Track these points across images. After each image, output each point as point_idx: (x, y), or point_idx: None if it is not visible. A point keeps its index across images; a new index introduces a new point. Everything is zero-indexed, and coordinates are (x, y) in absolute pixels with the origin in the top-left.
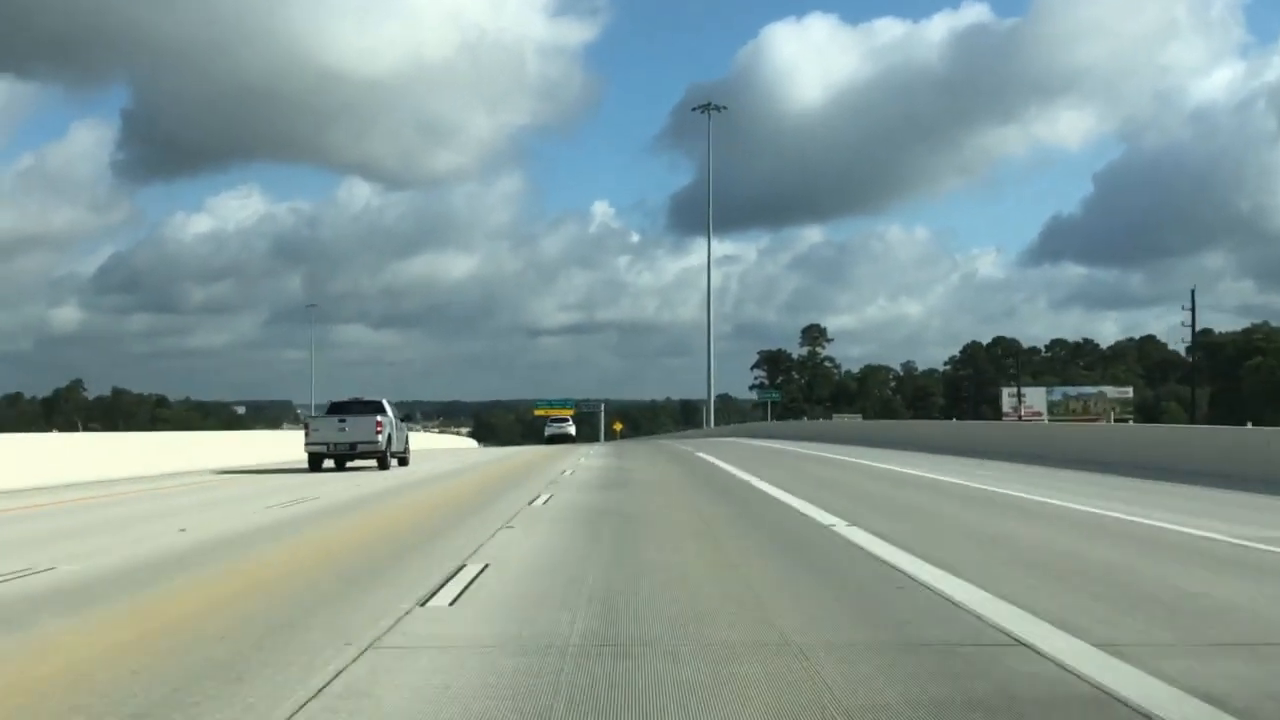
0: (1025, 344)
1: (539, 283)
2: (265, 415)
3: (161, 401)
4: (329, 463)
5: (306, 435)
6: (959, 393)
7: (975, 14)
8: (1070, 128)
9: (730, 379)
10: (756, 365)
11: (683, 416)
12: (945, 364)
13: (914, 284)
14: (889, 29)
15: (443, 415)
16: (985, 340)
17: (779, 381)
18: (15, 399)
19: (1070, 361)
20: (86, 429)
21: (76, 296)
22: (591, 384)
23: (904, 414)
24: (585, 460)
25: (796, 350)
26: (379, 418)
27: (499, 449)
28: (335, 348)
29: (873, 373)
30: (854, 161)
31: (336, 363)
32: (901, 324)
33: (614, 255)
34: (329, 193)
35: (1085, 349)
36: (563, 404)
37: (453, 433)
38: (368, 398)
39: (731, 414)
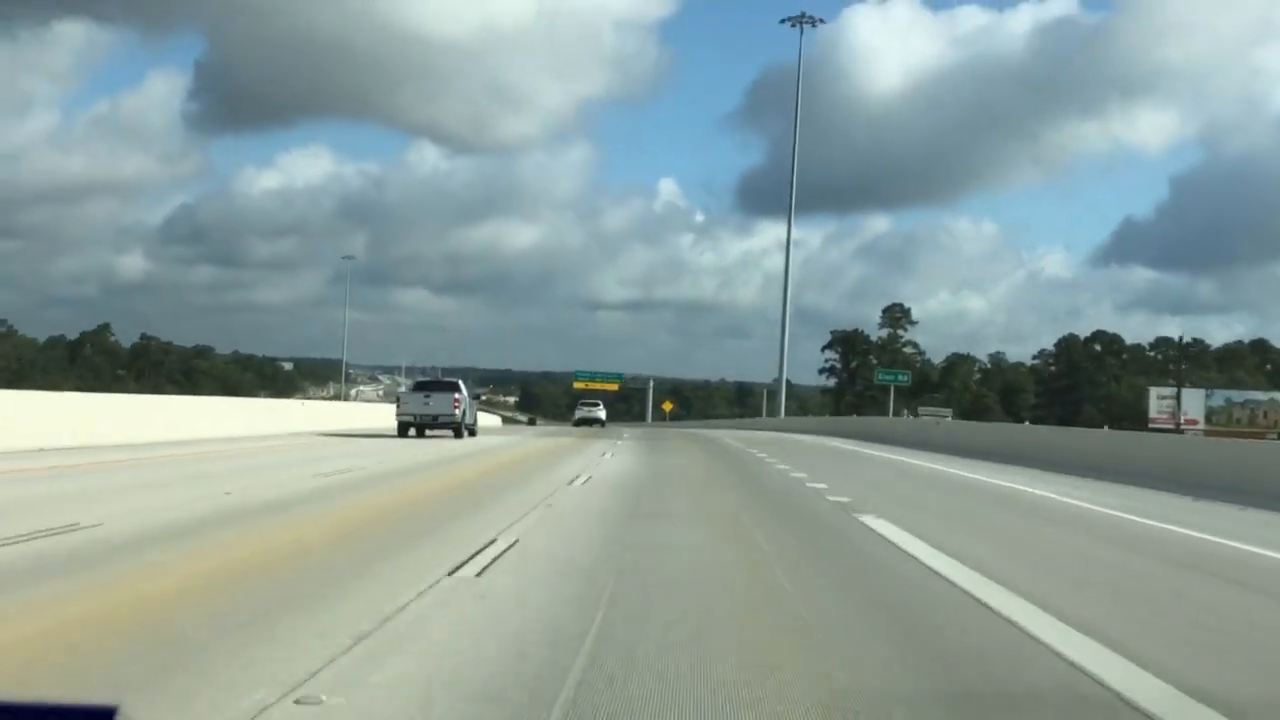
0: (1125, 342)
1: (600, 257)
2: (316, 374)
3: (203, 352)
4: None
5: (398, 407)
6: (1053, 390)
7: (1062, 6)
8: (1151, 128)
9: (789, 363)
10: (828, 346)
11: (738, 399)
12: (1034, 358)
13: (979, 278)
14: (972, 17)
15: (493, 384)
16: (1069, 338)
17: (854, 366)
18: (56, 341)
19: (1180, 361)
20: (115, 377)
21: (142, 245)
22: (645, 361)
23: (998, 413)
24: (608, 459)
25: (875, 332)
26: (456, 395)
27: (508, 436)
28: (395, 310)
29: (959, 363)
30: (926, 151)
31: (395, 326)
32: (963, 318)
33: (677, 233)
34: (397, 155)
35: (1193, 349)
36: (606, 377)
37: (492, 408)
38: (444, 377)
39: (789, 400)
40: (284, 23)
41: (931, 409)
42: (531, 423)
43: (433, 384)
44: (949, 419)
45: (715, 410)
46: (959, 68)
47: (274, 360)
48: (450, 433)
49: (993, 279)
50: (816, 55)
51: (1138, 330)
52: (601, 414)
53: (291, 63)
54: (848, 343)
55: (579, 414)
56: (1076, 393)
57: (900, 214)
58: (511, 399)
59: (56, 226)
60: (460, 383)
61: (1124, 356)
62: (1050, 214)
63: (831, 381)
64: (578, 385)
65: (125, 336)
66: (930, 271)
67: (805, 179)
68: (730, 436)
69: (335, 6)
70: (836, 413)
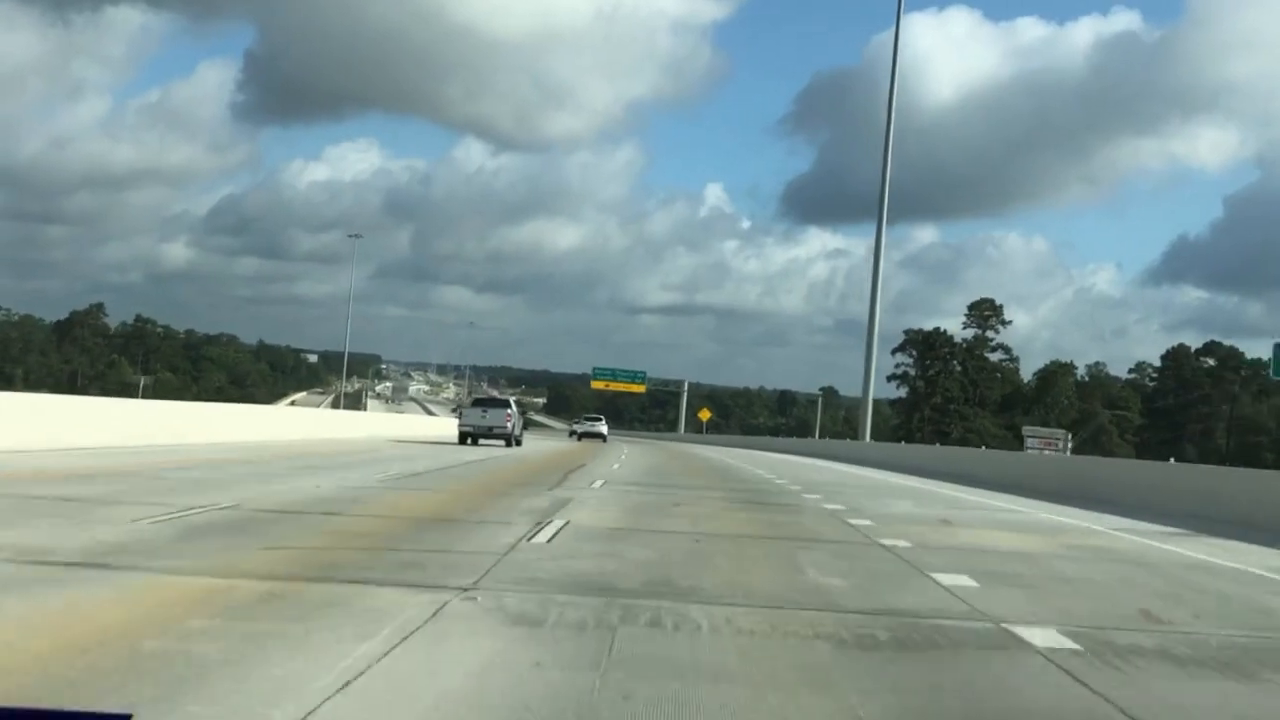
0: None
1: (643, 260)
2: (351, 366)
3: (212, 340)
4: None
5: (460, 419)
6: (1158, 409)
7: (1125, 21)
8: (1210, 146)
9: (834, 373)
10: (900, 349)
11: (779, 408)
12: (1130, 372)
13: (1026, 294)
14: (1031, 29)
15: (525, 384)
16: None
17: (932, 373)
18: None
19: None
20: (110, 362)
21: (187, 234)
22: (683, 366)
23: (1116, 440)
24: (584, 518)
25: (960, 333)
26: (508, 411)
27: (476, 450)
28: (434, 308)
29: (1057, 373)
30: (978, 163)
31: (433, 323)
32: (1007, 334)
33: (721, 239)
34: (443, 151)
35: None
36: (628, 376)
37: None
38: (499, 396)
39: (834, 413)
40: (336, 13)
41: (1040, 432)
42: (576, 437)
43: (489, 401)
44: (1065, 448)
45: (755, 419)
46: (1015, 80)
47: (300, 352)
48: (501, 442)
49: (1039, 295)
50: (870, 62)
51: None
52: (603, 429)
53: (341, 54)
54: (926, 345)
55: (579, 428)
56: (1187, 413)
57: (949, 225)
58: (540, 400)
59: (103, 213)
60: (511, 400)
61: (1242, 373)
62: (1100, 231)
63: (903, 391)
64: (596, 385)
65: (178, 324)
66: (977, 285)
67: (855, 187)
68: (790, 472)
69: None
70: (907, 430)
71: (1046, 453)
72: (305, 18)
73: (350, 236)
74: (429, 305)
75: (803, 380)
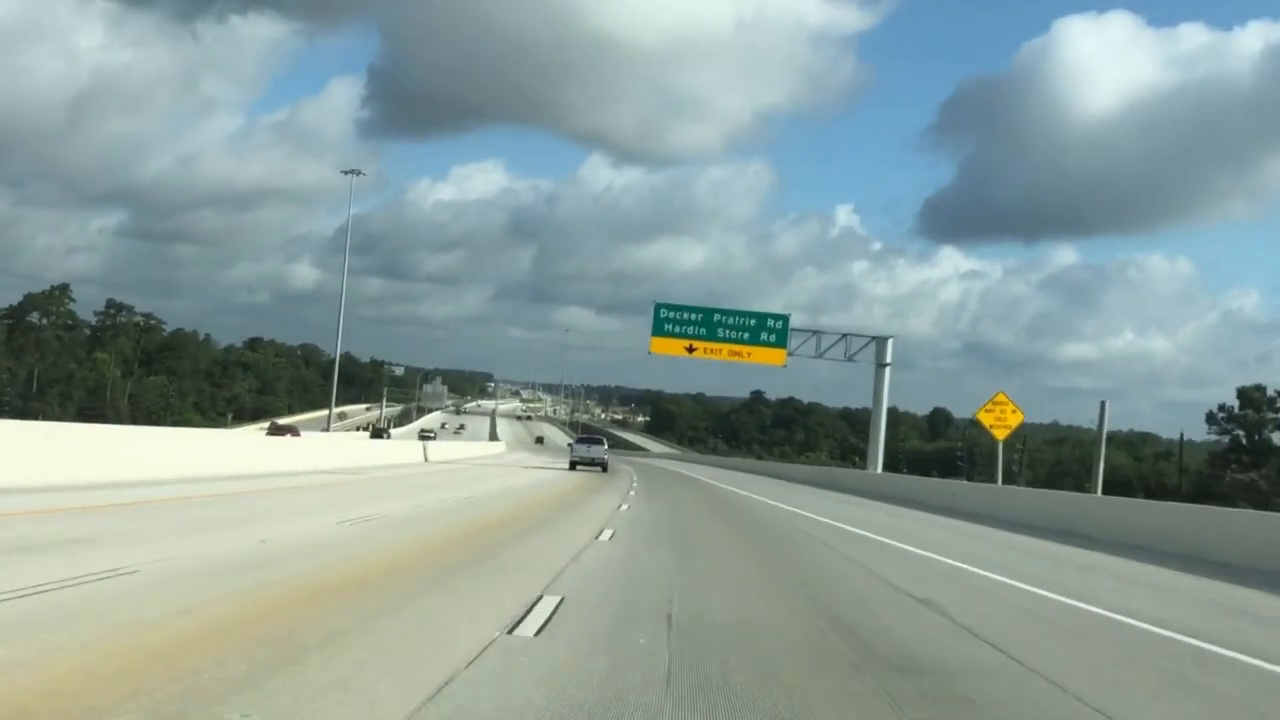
0: None
1: (770, 280)
2: (458, 384)
3: (254, 344)
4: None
5: (571, 452)
6: None
7: None
8: None
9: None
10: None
11: (930, 429)
12: None
13: (1167, 317)
14: (1194, 36)
15: (634, 403)
16: None
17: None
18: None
19: None
20: (90, 362)
21: (312, 254)
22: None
23: None
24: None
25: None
26: (605, 445)
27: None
28: (553, 329)
29: None
30: (1127, 177)
31: (552, 344)
32: (1145, 360)
33: (851, 259)
34: (569, 166)
35: None
36: (756, 329)
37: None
38: (595, 434)
39: (955, 433)
40: (463, 24)
41: None
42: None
43: (590, 437)
44: None
45: (902, 441)
46: (1175, 89)
47: (383, 363)
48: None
49: (1180, 319)
50: (1020, 70)
51: None
52: (604, 454)
53: (466, 64)
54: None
55: (576, 454)
56: None
57: (1092, 243)
58: (642, 418)
59: (231, 232)
60: (604, 438)
61: None
62: (1253, 251)
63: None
64: (656, 348)
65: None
66: (1116, 308)
67: (996, 203)
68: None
69: (522, 8)
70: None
71: None
72: (430, 26)
73: (345, 173)
74: (549, 326)
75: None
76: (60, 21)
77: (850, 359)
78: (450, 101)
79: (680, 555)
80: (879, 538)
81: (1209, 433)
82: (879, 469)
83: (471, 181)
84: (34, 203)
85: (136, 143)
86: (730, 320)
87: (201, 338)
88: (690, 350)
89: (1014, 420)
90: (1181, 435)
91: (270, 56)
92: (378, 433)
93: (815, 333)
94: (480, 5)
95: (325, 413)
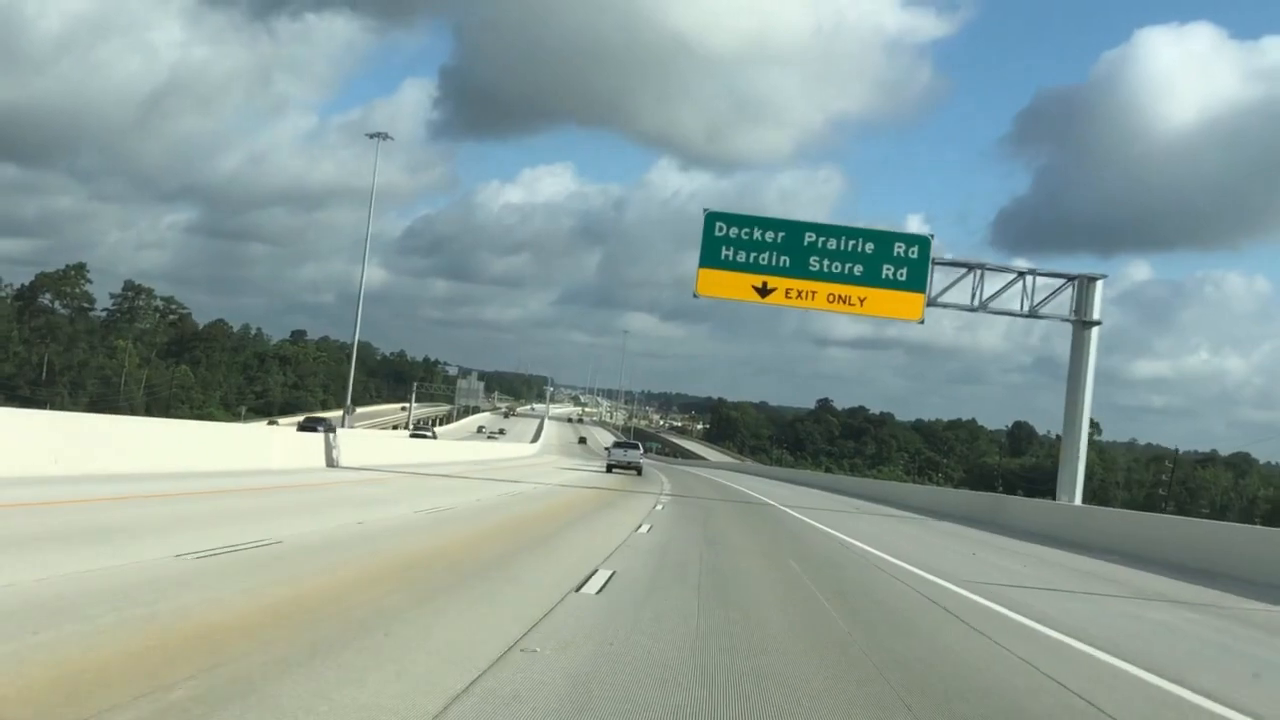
0: None
1: None
2: (507, 387)
3: (298, 336)
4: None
5: (609, 456)
6: None
7: None
8: None
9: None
10: None
11: (1010, 444)
12: None
13: (1243, 336)
14: (1278, 49)
15: (694, 410)
16: None
17: None
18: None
19: None
20: (104, 349)
21: (380, 255)
22: (869, 398)
23: None
24: None
25: None
26: (640, 449)
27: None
28: (616, 334)
29: None
30: (1205, 192)
31: (613, 349)
32: (1217, 379)
33: None
34: (637, 169)
35: None
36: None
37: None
38: (633, 439)
39: (1040, 450)
40: (535, 24)
41: None
42: (607, 469)
43: (625, 444)
44: None
45: (983, 456)
46: (1259, 103)
47: (437, 363)
48: (635, 471)
49: (1257, 338)
50: (1099, 80)
51: None
52: (639, 458)
53: (539, 67)
54: None
55: (612, 458)
56: None
57: (1168, 258)
58: (699, 425)
59: (300, 232)
60: (639, 444)
61: None
62: None
63: None
64: (703, 290)
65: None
66: (1192, 325)
67: (1071, 215)
68: None
69: (597, 9)
70: None
71: None
72: (502, 26)
73: (371, 136)
74: (613, 331)
75: (990, 416)
76: (138, 18)
77: (1032, 313)
78: (521, 103)
79: None
80: None
81: None
82: (1077, 498)
83: (540, 184)
84: (105, 198)
85: (209, 140)
86: (832, 244)
87: (253, 332)
88: (763, 292)
89: None
90: None
91: (344, 56)
92: (418, 433)
93: (975, 268)
94: (553, 6)
95: (377, 408)
